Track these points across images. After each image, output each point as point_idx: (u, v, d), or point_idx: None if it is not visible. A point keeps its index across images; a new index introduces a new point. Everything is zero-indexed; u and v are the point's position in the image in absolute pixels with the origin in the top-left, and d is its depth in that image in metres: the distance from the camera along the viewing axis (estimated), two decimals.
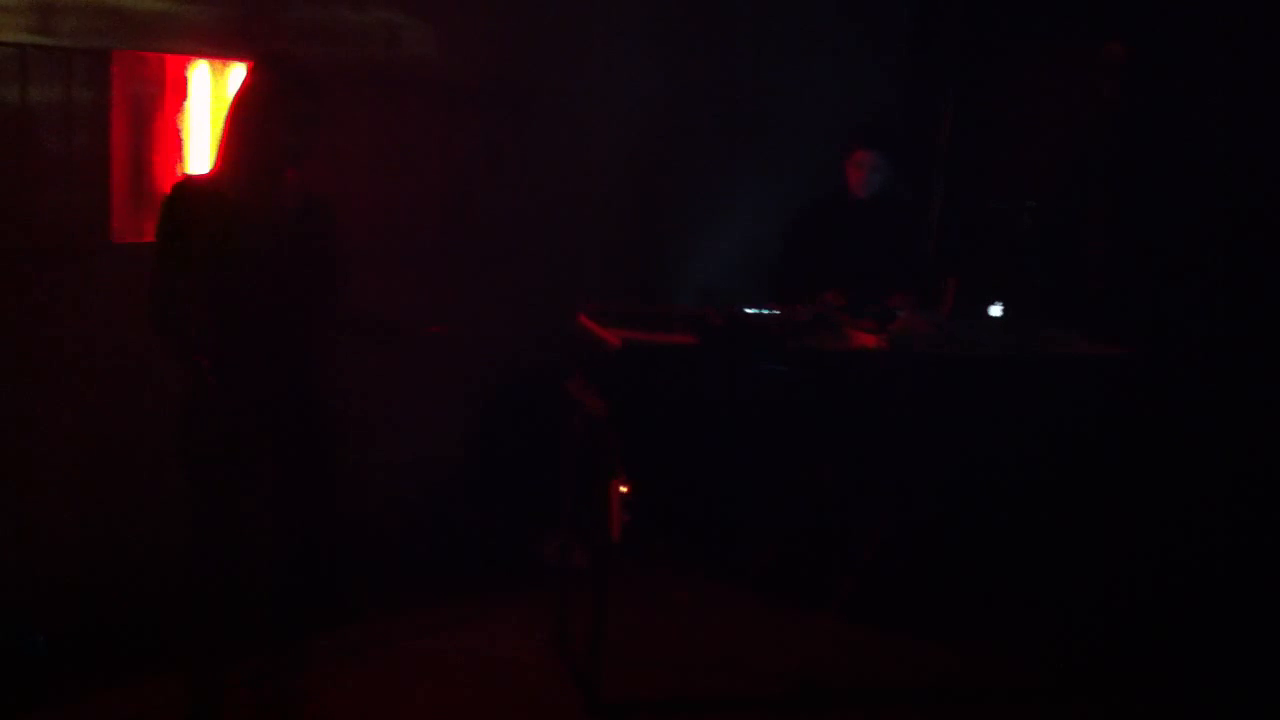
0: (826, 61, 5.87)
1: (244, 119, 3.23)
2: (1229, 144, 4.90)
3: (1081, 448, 4.30)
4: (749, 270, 5.29)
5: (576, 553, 4.37)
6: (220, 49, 4.30)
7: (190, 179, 3.34)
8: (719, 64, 5.73)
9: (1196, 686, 4.23)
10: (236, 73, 4.34)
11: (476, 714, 3.88)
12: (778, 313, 4.20)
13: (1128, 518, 4.63)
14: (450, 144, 5.01)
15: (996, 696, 4.20)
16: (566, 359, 4.34)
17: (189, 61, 4.26)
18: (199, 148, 4.31)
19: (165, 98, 4.25)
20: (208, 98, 4.29)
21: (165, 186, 4.20)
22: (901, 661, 4.40)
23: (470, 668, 4.15)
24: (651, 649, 4.38)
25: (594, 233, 5.44)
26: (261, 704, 3.66)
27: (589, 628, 3.93)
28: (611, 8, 5.37)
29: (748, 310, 4.18)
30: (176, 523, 4.31)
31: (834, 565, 4.78)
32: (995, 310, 4.31)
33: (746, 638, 4.55)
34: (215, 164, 3.28)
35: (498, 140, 5.14)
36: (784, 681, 4.22)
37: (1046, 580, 4.72)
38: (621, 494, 3.74)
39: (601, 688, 3.93)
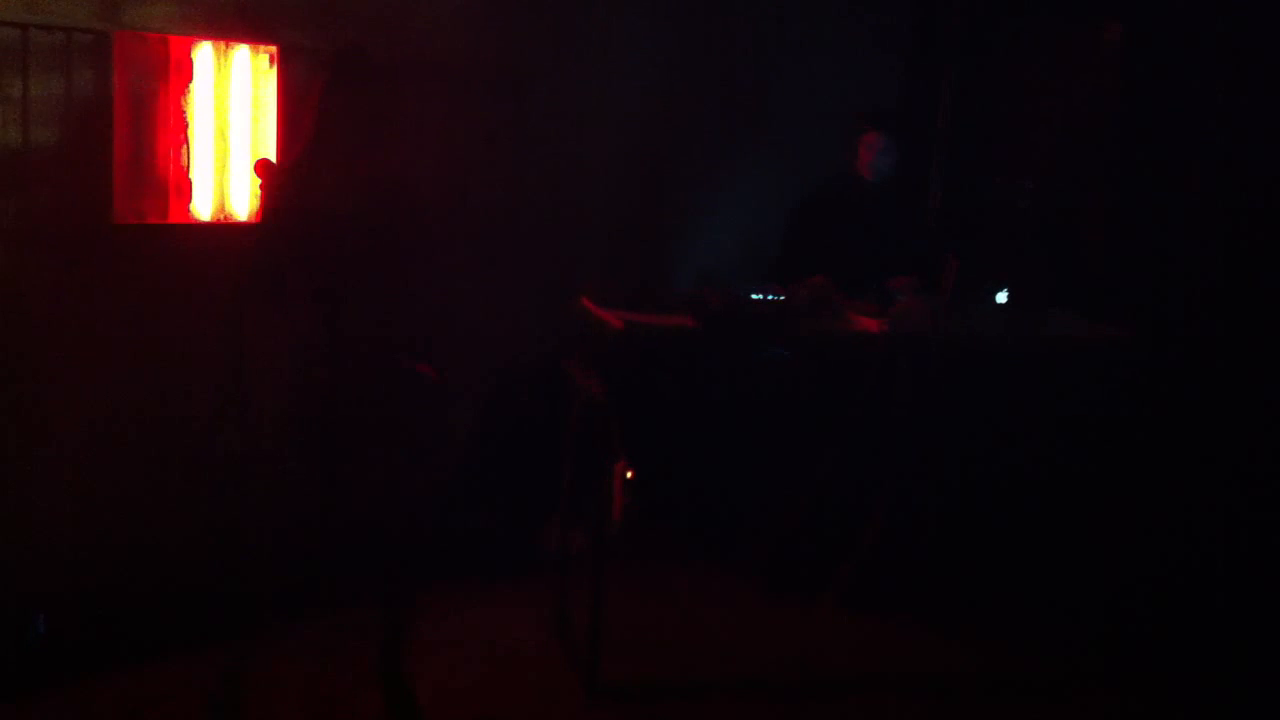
0: (827, 46, 5.86)
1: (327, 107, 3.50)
2: (1230, 126, 4.89)
3: (1081, 431, 4.30)
4: (750, 254, 5.30)
5: (577, 539, 4.37)
6: (224, 31, 4.30)
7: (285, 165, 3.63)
8: (719, 49, 5.72)
9: (1199, 683, 4.22)
10: (240, 55, 4.35)
11: (479, 697, 3.88)
12: (778, 296, 4.21)
13: (1130, 507, 4.63)
14: (448, 130, 5.00)
15: (996, 689, 4.19)
16: (567, 343, 4.34)
17: (193, 43, 4.26)
18: (203, 129, 4.30)
19: (169, 79, 4.24)
20: (211, 79, 4.29)
21: (169, 168, 4.26)
22: (901, 652, 4.39)
23: (473, 653, 4.16)
24: (651, 635, 4.38)
25: (595, 218, 5.43)
26: (272, 686, 3.71)
27: (589, 614, 3.93)
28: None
29: (748, 294, 4.19)
30: (184, 507, 4.35)
31: (835, 554, 4.78)
32: (1001, 297, 4.30)
33: (745, 626, 4.55)
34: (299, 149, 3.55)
35: (495, 125, 5.13)
36: (782, 670, 4.22)
37: (1049, 572, 4.71)
38: (625, 476, 3.74)
39: (601, 673, 3.93)
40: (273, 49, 4.37)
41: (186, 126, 4.27)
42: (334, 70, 3.50)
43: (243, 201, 4.39)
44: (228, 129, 4.34)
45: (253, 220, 4.28)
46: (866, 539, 4.73)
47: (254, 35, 4.35)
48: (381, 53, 4.61)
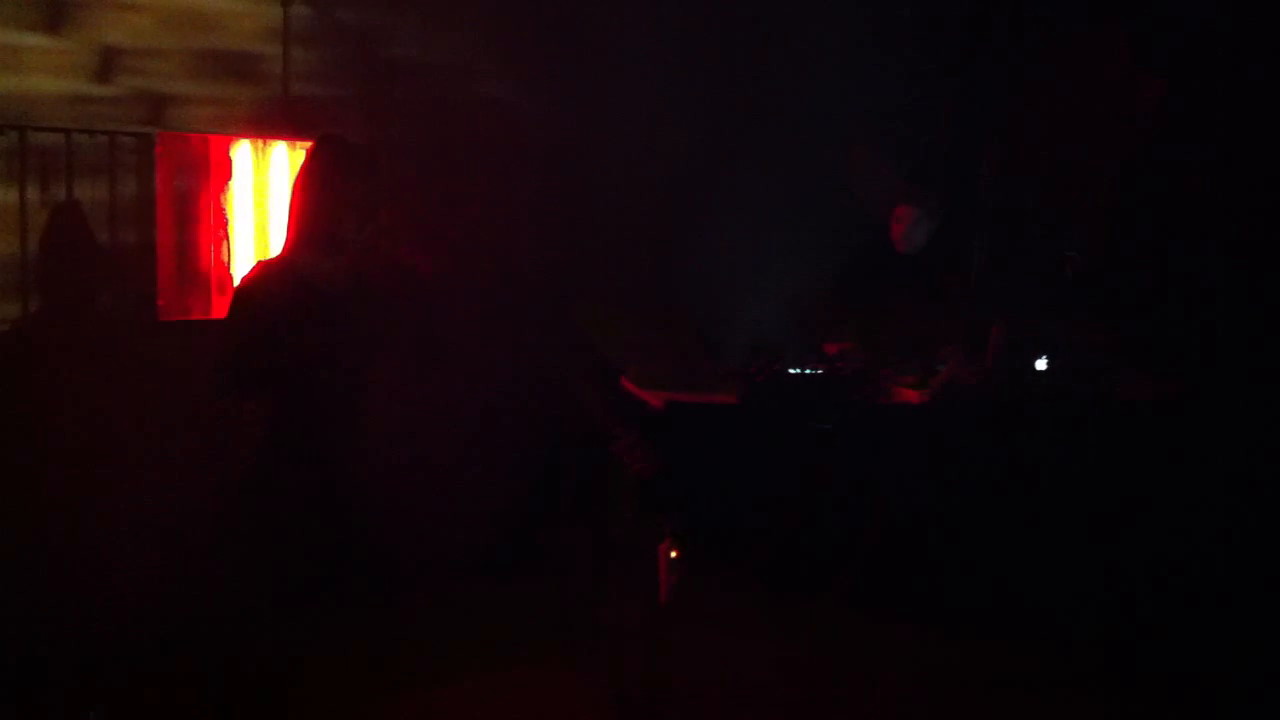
0: (868, 102, 5.85)
1: (304, 197, 3.40)
2: (1273, 178, 4.86)
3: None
4: (771, 296, 5.28)
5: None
6: (261, 128, 4.38)
7: (265, 261, 3.50)
8: (750, 114, 5.73)
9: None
10: (278, 151, 4.42)
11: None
12: (820, 370, 4.21)
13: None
14: (489, 204, 5.05)
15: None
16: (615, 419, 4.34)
17: (231, 141, 4.33)
18: (243, 225, 4.37)
19: (209, 177, 4.32)
20: (250, 175, 4.36)
21: (210, 264, 4.33)
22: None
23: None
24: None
25: (614, 269, 5.43)
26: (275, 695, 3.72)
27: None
28: (640, 58, 5.40)
29: (790, 369, 4.18)
30: (220, 582, 4.35)
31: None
32: (1040, 364, 4.29)
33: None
34: (285, 242, 3.44)
35: (530, 197, 5.17)
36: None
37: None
38: (671, 558, 3.73)
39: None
40: (309, 144, 4.44)
41: (226, 222, 4.34)
42: (308, 159, 3.50)
43: None
44: (267, 223, 4.41)
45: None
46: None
47: (291, 131, 4.42)
48: (422, 140, 4.78)
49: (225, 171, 4.33)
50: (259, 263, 3.49)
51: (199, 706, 3.95)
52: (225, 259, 4.34)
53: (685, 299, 5.56)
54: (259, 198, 4.39)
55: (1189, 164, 5.16)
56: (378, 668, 4.17)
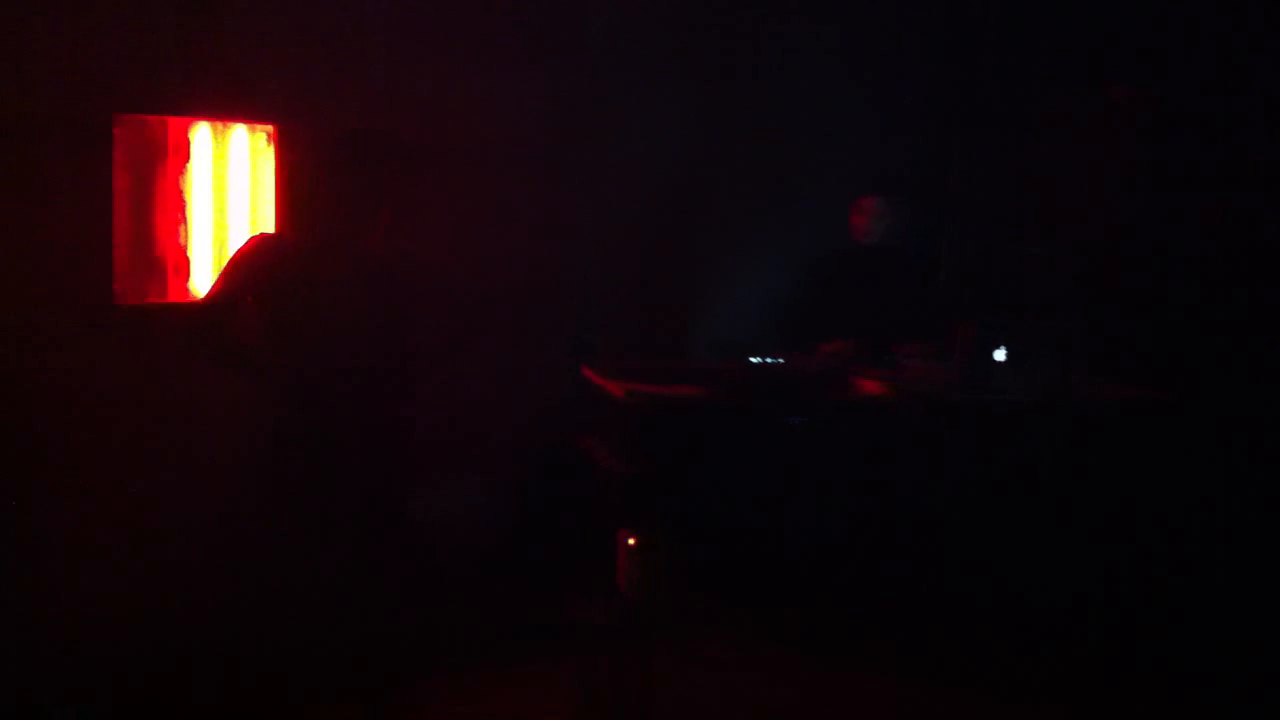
0: (844, 116, 5.87)
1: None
2: (1244, 178, 4.88)
3: (1096, 484, 4.25)
4: (770, 324, 5.28)
5: (605, 611, 4.29)
6: (221, 111, 4.32)
7: (267, 236, 3.47)
8: (739, 122, 5.72)
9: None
10: (238, 134, 4.36)
11: (471, 702, 3.82)
12: (777, 360, 4.18)
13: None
14: (470, 206, 5.01)
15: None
16: (586, 418, 4.31)
17: (190, 124, 4.27)
18: (201, 208, 4.31)
19: (167, 160, 4.26)
20: (209, 159, 4.30)
21: (167, 248, 4.26)
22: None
23: (458, 660, 4.12)
24: (684, 705, 4.30)
25: (614, 293, 5.40)
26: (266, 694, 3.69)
27: (620, 686, 3.86)
28: (630, 74, 5.39)
29: (755, 361, 4.16)
30: (204, 578, 4.30)
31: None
32: (999, 354, 4.28)
33: (779, 690, 4.46)
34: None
35: (511, 203, 5.13)
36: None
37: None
38: (629, 545, 3.69)
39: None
40: (269, 128, 4.39)
41: (184, 206, 4.28)
42: (334, 151, 3.43)
43: None
44: (226, 207, 4.35)
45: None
46: (845, 537, 4.64)
47: (251, 115, 4.36)
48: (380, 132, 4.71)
49: (184, 155, 4.27)
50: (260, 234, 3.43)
51: (197, 707, 3.90)
52: (183, 242, 4.28)
53: (668, 296, 5.56)
54: (218, 181, 4.33)
55: (1182, 164, 5.17)
56: (360, 667, 4.12)
